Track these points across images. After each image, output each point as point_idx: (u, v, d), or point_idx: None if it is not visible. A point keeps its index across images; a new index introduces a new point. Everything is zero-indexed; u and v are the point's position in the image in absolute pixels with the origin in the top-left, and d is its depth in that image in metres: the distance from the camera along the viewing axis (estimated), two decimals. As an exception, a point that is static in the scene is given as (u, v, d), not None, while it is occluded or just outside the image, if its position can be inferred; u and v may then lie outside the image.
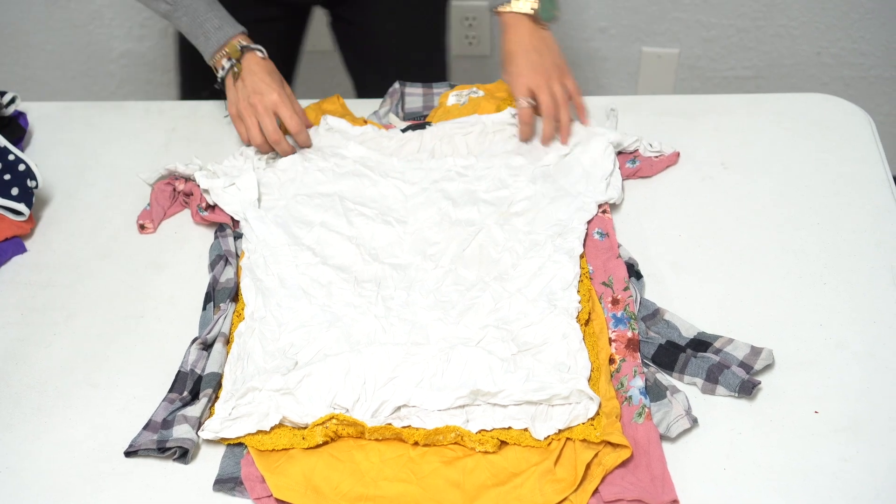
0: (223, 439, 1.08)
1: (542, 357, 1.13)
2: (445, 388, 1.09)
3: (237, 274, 1.26)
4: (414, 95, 1.50)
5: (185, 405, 1.11)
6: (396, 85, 1.51)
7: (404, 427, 1.08)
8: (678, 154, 1.40)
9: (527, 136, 1.40)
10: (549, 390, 1.07)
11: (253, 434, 1.08)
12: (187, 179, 1.39)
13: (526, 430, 1.07)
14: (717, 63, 2.39)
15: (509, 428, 1.07)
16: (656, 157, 1.39)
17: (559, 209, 1.30)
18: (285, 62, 1.69)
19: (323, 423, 1.07)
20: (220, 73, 1.41)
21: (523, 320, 1.16)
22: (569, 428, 1.06)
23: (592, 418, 1.06)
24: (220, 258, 1.28)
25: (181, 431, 1.07)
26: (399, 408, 1.09)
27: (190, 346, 1.16)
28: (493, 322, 1.17)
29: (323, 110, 1.50)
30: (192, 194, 1.37)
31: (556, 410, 1.08)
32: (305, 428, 1.08)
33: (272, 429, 1.08)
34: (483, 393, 1.08)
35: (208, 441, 1.08)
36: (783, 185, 1.36)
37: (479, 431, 1.07)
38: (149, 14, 2.35)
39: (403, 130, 1.43)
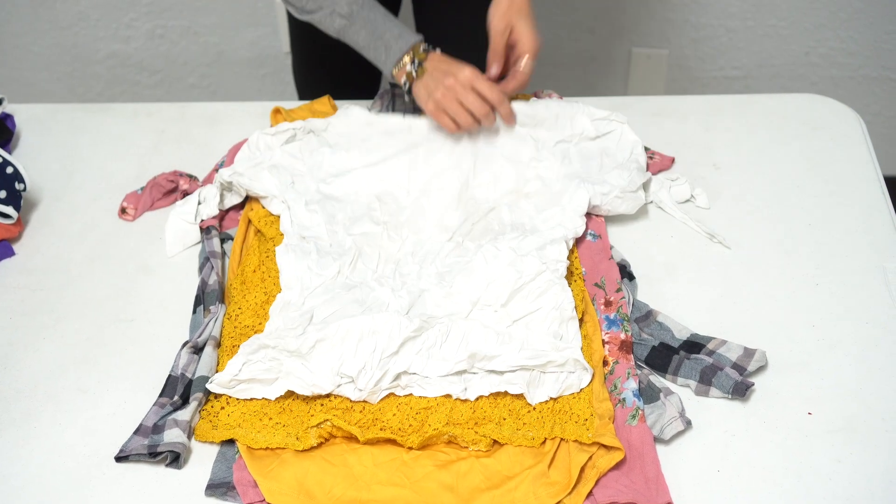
0: (217, 441, 1.09)
1: (535, 326, 1.15)
2: (445, 359, 1.12)
3: (220, 274, 1.26)
4: (404, 97, 1.49)
5: (175, 409, 1.10)
6: (387, 86, 1.51)
7: (406, 395, 1.11)
8: (673, 160, 1.40)
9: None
10: (544, 357, 1.10)
11: (248, 432, 1.08)
12: (191, 178, 1.39)
13: (521, 395, 1.10)
14: (707, 63, 2.39)
15: (505, 393, 1.10)
16: (650, 160, 1.39)
17: (570, 197, 1.30)
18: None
19: (318, 424, 1.07)
20: (404, 81, 1.37)
21: (513, 278, 1.18)
22: (561, 396, 1.10)
23: (586, 421, 1.07)
24: (207, 260, 1.27)
25: (172, 436, 1.06)
26: (399, 375, 1.11)
27: (180, 349, 1.15)
28: (482, 282, 1.19)
29: (314, 111, 1.49)
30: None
31: (550, 377, 1.11)
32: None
33: (267, 425, 1.09)
34: (480, 357, 1.11)
35: (200, 445, 1.08)
36: (775, 185, 1.36)
37: (478, 398, 1.10)
38: (135, 15, 2.33)
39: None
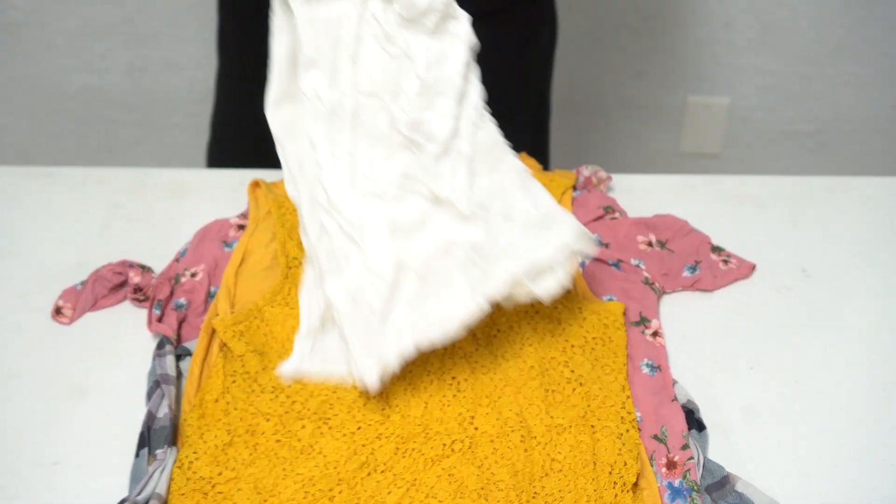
0: None
1: None
2: None
3: (173, 404, 1.04)
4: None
5: None
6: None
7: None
8: (753, 267, 1.19)
9: None
10: None
11: None
12: (144, 270, 1.17)
13: None
14: (775, 115, 2.26)
15: None
16: (724, 265, 1.17)
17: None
18: None
19: None
20: None
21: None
22: None
23: None
24: (158, 385, 1.06)
25: None
26: None
27: (112, 514, 0.94)
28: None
29: (275, 194, 1.27)
30: (143, 291, 1.16)
31: None
32: None
33: None
34: None
35: None
36: (887, 300, 1.15)
37: None
38: (110, 44, 2.18)
39: None
